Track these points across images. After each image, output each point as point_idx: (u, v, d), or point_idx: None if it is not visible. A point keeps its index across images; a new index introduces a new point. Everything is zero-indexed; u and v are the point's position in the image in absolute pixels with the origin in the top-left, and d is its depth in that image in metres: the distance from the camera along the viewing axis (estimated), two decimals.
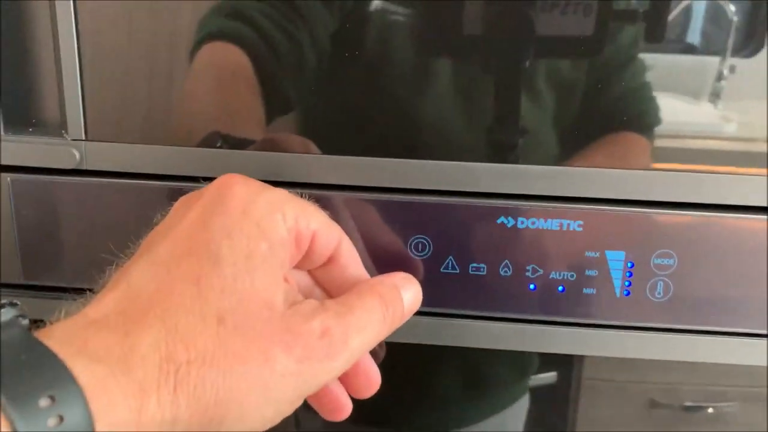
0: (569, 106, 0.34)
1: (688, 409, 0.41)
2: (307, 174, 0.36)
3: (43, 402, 0.21)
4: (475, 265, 0.36)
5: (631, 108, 0.34)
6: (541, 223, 0.35)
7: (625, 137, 0.34)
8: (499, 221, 0.35)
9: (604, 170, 0.34)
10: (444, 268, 0.36)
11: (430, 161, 0.35)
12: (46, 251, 0.37)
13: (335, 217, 0.33)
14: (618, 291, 0.35)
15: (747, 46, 0.32)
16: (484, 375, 0.43)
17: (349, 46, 0.33)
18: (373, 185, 0.36)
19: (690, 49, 0.33)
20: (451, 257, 0.36)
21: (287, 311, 0.27)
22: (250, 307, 0.26)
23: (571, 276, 0.35)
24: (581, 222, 0.34)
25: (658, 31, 0.32)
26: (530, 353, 0.41)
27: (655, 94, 0.33)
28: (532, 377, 0.42)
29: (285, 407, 0.27)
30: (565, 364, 0.41)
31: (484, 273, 0.36)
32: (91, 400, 0.22)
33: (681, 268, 0.35)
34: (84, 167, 0.36)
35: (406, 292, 0.32)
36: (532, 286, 0.36)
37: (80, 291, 0.33)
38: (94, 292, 0.28)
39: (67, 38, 0.34)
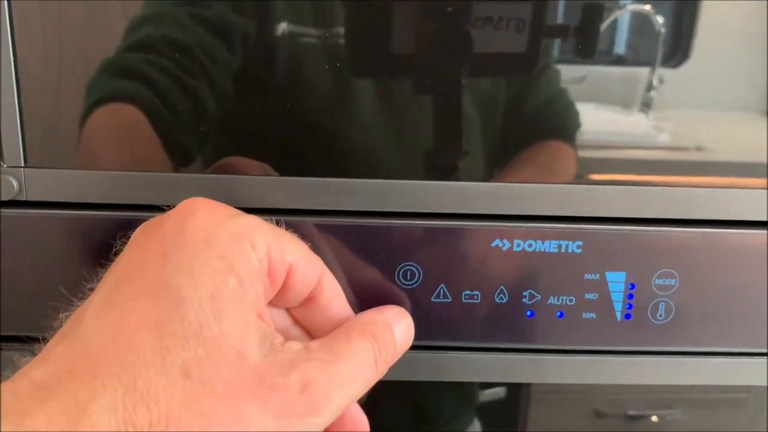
0: (494, 120, 0.32)
1: (632, 418, 0.40)
2: (274, 198, 0.32)
3: None
4: (468, 292, 0.33)
5: (551, 117, 0.32)
6: (538, 245, 0.32)
7: (551, 146, 0.33)
8: (494, 244, 0.32)
9: (599, 187, 0.32)
10: (435, 297, 0.33)
11: (413, 181, 0.32)
12: None
13: (312, 246, 0.29)
14: (618, 314, 0.33)
15: (674, 57, 0.31)
16: (431, 410, 0.41)
17: (258, 80, 0.31)
18: (351, 209, 0.32)
19: (620, 61, 0.32)
20: (442, 285, 0.33)
21: (262, 361, 0.24)
22: (219, 357, 0.23)
23: (570, 300, 0.33)
24: (580, 242, 0.32)
25: (590, 45, 0.31)
26: (474, 385, 0.40)
27: (577, 102, 0.32)
28: (483, 393, 0.40)
29: None
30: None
31: (479, 301, 0.33)
32: None
33: (682, 288, 0.33)
34: (23, 197, 0.31)
35: (398, 329, 0.29)
36: (528, 313, 0.33)
37: (26, 340, 0.29)
38: (43, 341, 0.24)
39: (2, 53, 0.29)
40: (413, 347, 0.34)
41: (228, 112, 0.31)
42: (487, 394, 0.40)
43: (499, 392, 0.39)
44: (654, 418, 0.40)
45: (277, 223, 0.28)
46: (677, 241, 0.33)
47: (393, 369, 0.33)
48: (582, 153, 0.33)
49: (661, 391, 0.40)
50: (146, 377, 0.22)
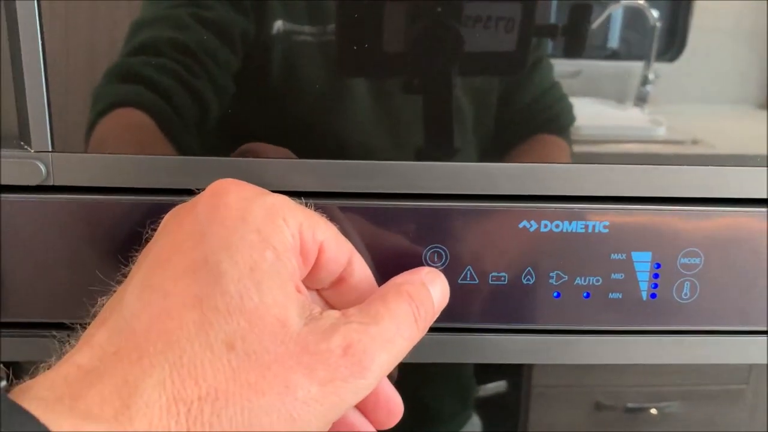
0: (486, 115, 0.32)
1: (631, 410, 0.41)
2: (298, 180, 0.32)
3: None
4: (495, 274, 0.33)
5: (544, 111, 0.32)
6: (565, 226, 0.32)
7: (545, 140, 0.33)
8: (521, 225, 0.32)
9: (627, 167, 0.32)
10: (462, 279, 0.33)
11: (437, 163, 0.32)
12: (15, 283, 0.32)
13: (339, 229, 0.30)
14: (644, 294, 0.34)
15: (669, 51, 0.32)
16: (429, 409, 0.41)
17: (258, 79, 0.31)
18: (380, 191, 0.32)
19: (615, 55, 0.32)
20: (469, 267, 0.33)
21: (303, 329, 0.24)
22: (262, 328, 0.23)
23: (597, 281, 0.33)
24: (607, 223, 0.33)
25: (580, 43, 0.31)
26: (471, 382, 0.40)
27: (572, 97, 0.32)
28: (482, 388, 0.40)
29: None
30: (515, 372, 0.40)
31: (506, 282, 0.33)
32: None
33: (707, 267, 0.33)
34: (51, 182, 0.31)
35: (434, 288, 0.29)
36: (555, 294, 0.33)
37: (61, 326, 0.29)
38: (82, 327, 0.24)
39: (29, 37, 0.29)
40: (439, 329, 0.34)
41: (230, 111, 0.31)
42: (488, 389, 0.40)
43: (500, 386, 0.40)
44: (653, 411, 0.40)
45: (306, 205, 0.28)
46: (702, 221, 0.33)
47: (421, 351, 0.33)
48: (577, 148, 0.33)
49: (660, 384, 0.40)
50: (191, 353, 0.22)
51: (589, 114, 0.32)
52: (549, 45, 0.31)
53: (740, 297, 0.34)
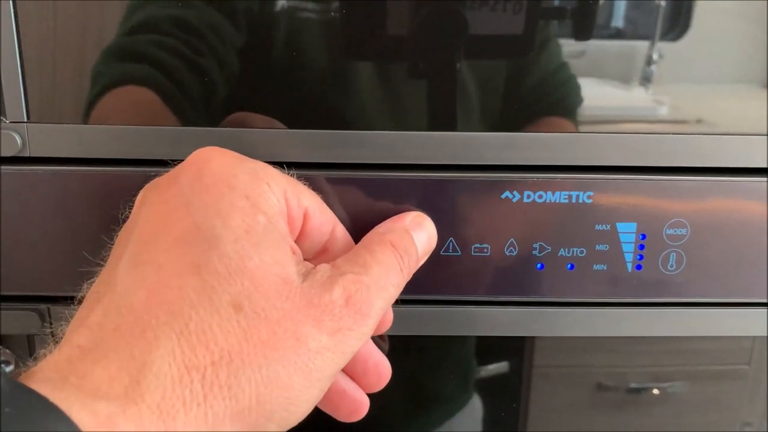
0: (492, 98, 0.32)
1: (633, 390, 0.40)
2: (283, 150, 0.32)
3: None
4: (478, 245, 0.33)
5: (551, 92, 0.32)
6: (548, 196, 0.32)
7: (551, 122, 0.32)
8: (503, 196, 0.32)
9: (610, 135, 0.32)
10: (444, 251, 0.33)
11: (420, 132, 0.32)
12: None
13: (324, 200, 0.29)
14: (630, 265, 0.33)
15: (673, 30, 0.31)
16: (428, 391, 0.42)
17: (263, 57, 0.30)
18: (359, 162, 0.32)
19: (619, 35, 0.31)
20: (451, 239, 0.33)
21: (304, 284, 0.24)
22: (267, 286, 0.23)
23: (581, 252, 0.33)
24: (591, 193, 0.32)
25: (587, 25, 0.30)
26: (471, 363, 0.40)
27: (576, 75, 0.31)
28: (484, 369, 0.40)
29: (326, 385, 0.24)
30: (516, 353, 0.40)
31: (488, 254, 0.33)
32: None
33: (694, 238, 0.33)
34: (27, 154, 0.31)
35: (418, 235, 0.30)
36: (539, 266, 0.33)
37: (41, 299, 0.29)
38: (75, 302, 0.24)
39: (2, 7, 0.29)
40: (422, 302, 0.34)
41: (235, 88, 0.31)
42: (489, 370, 0.40)
43: (501, 368, 0.39)
44: (655, 391, 0.40)
45: (288, 173, 0.27)
46: (688, 191, 0.32)
47: (402, 324, 0.33)
48: (582, 129, 0.32)
49: (662, 364, 0.40)
50: (198, 319, 0.21)
51: (593, 94, 0.32)
52: (555, 26, 0.31)
53: (728, 269, 0.34)
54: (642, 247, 0.33)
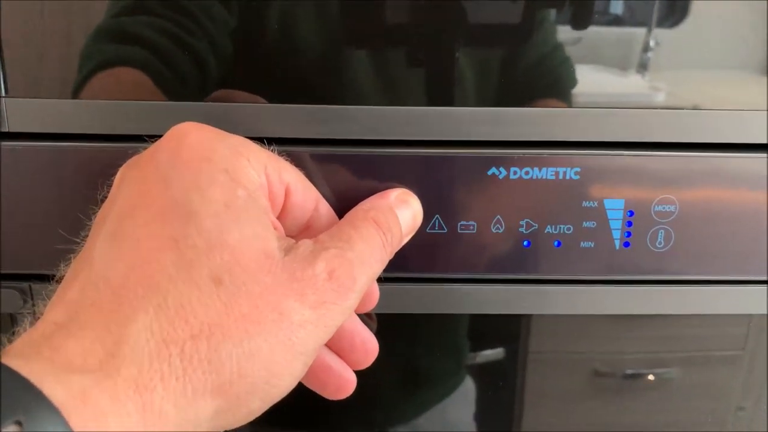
0: (488, 81, 0.31)
1: (629, 376, 0.40)
2: (268, 126, 0.31)
3: (10, 429, 0.17)
4: (464, 223, 0.32)
5: (546, 75, 0.32)
6: (535, 173, 0.32)
7: (546, 105, 0.32)
8: (490, 172, 0.32)
9: (598, 110, 0.31)
10: (430, 228, 0.32)
11: (406, 107, 0.31)
12: None
13: (306, 176, 0.29)
14: (617, 242, 0.33)
15: (670, 17, 0.31)
16: (421, 370, 0.41)
17: (254, 37, 0.30)
18: (345, 138, 0.32)
19: (617, 21, 0.31)
20: (438, 216, 0.32)
21: (286, 258, 0.24)
22: (247, 260, 0.23)
23: (568, 229, 0.33)
24: (578, 169, 0.32)
25: (585, 12, 0.30)
26: (465, 343, 0.40)
27: (571, 58, 0.31)
28: (480, 354, 0.40)
29: (310, 359, 0.24)
30: (511, 338, 0.39)
31: (475, 231, 0.33)
32: (70, 417, 0.18)
33: (682, 215, 0.33)
34: (6, 129, 0.30)
35: (402, 212, 0.30)
36: (526, 243, 0.33)
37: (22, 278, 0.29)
38: (54, 281, 0.24)
39: None
40: (408, 279, 0.34)
41: (228, 70, 0.31)
42: (485, 356, 0.40)
43: (498, 353, 0.39)
44: (650, 377, 0.40)
45: (270, 149, 0.27)
46: (676, 167, 0.32)
47: (388, 302, 0.33)
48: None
49: (657, 350, 0.40)
50: (176, 293, 0.21)
51: (590, 81, 0.32)
52: (553, 12, 0.30)
53: (718, 246, 0.33)
54: (630, 224, 0.33)
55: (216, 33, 0.30)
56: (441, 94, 0.31)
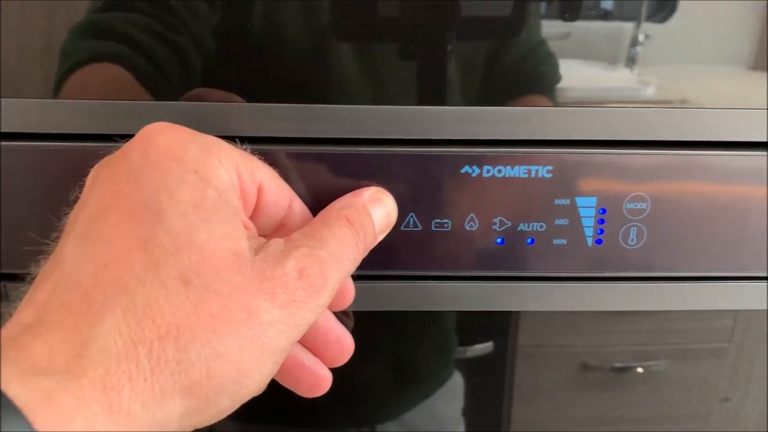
0: (474, 77, 0.31)
1: (617, 369, 0.41)
2: (243, 124, 0.31)
3: None
4: (438, 220, 0.33)
5: (531, 70, 0.32)
6: (508, 171, 0.32)
7: (532, 101, 0.32)
8: (463, 170, 0.32)
9: (573, 109, 0.32)
10: (405, 226, 0.33)
11: (382, 107, 0.31)
12: None
13: (281, 175, 0.29)
14: (590, 240, 0.33)
15: (660, 12, 0.31)
16: (409, 366, 0.42)
17: (238, 35, 0.30)
18: (318, 136, 0.32)
19: (606, 16, 0.31)
20: (412, 214, 0.33)
21: (256, 257, 0.24)
22: (216, 260, 0.23)
23: (541, 227, 0.33)
24: (551, 167, 0.32)
25: (574, 6, 0.30)
26: (452, 338, 0.40)
27: (562, 58, 0.31)
28: (468, 348, 0.40)
29: (280, 358, 0.24)
30: (500, 333, 0.40)
31: (449, 229, 0.33)
32: (35, 418, 0.18)
33: (654, 212, 0.33)
34: None
35: (376, 211, 0.30)
36: (499, 240, 0.33)
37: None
38: (25, 281, 0.24)
39: None
40: (383, 277, 0.34)
41: (213, 66, 0.31)
42: (473, 350, 0.40)
43: (486, 348, 0.40)
44: (639, 369, 0.40)
45: (243, 148, 0.27)
46: (647, 164, 0.32)
47: (363, 299, 0.33)
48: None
49: (645, 343, 0.40)
50: (144, 293, 0.21)
51: (578, 75, 0.32)
52: (542, 6, 0.30)
53: (690, 243, 0.34)
54: (602, 221, 0.33)
55: (199, 29, 0.30)
56: (424, 93, 0.31)
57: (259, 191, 0.27)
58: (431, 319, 0.39)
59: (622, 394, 0.42)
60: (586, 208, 0.33)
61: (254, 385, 0.23)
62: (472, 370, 0.41)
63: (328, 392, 0.30)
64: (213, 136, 0.26)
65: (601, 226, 0.33)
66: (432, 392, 0.42)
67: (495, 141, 0.32)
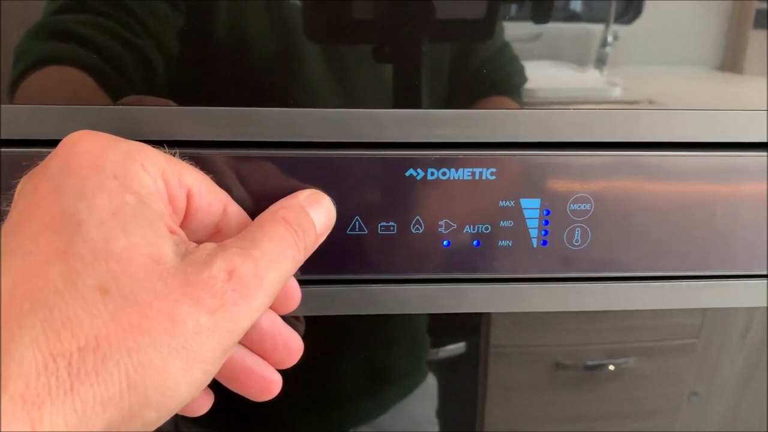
0: (439, 78, 0.31)
1: (590, 367, 0.41)
2: (178, 129, 0.31)
3: None
4: (384, 224, 0.33)
5: (495, 72, 0.32)
6: (452, 174, 0.32)
7: (497, 102, 0.32)
8: (407, 174, 0.32)
9: (515, 111, 0.32)
10: (351, 230, 0.33)
11: (323, 110, 0.31)
12: None
13: (219, 180, 0.29)
14: (535, 241, 0.33)
15: (627, 13, 0.31)
16: (382, 369, 0.42)
17: (203, 36, 0.30)
18: (258, 140, 0.31)
19: (575, 17, 0.31)
20: (357, 218, 0.32)
21: (182, 262, 0.23)
22: (135, 267, 0.22)
23: (486, 228, 0.33)
24: (494, 169, 0.32)
25: (540, 6, 0.31)
26: (425, 340, 0.40)
27: (532, 59, 0.31)
28: (441, 349, 0.40)
29: (212, 367, 0.23)
30: (473, 334, 0.40)
31: (395, 232, 0.33)
32: None
33: (598, 213, 0.33)
34: None
35: (315, 211, 0.29)
36: (445, 243, 0.33)
37: None
38: None
39: None
40: (329, 281, 0.34)
41: (174, 68, 0.30)
42: (446, 350, 0.40)
43: (458, 348, 0.40)
44: (611, 367, 0.41)
45: (173, 154, 0.27)
46: (591, 166, 0.33)
47: (310, 304, 0.33)
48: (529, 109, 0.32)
49: (616, 341, 0.40)
50: (62, 305, 0.21)
51: (545, 76, 0.32)
52: (511, 8, 0.31)
53: (633, 243, 0.34)
54: (546, 222, 0.33)
55: (160, 31, 0.30)
56: (391, 96, 0.31)
57: (189, 196, 0.26)
58: (402, 321, 0.39)
59: (595, 391, 0.42)
60: (531, 210, 0.33)
61: (181, 395, 0.23)
62: (446, 371, 0.41)
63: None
64: (137, 142, 0.26)
65: (545, 227, 0.33)
66: (406, 394, 0.42)
67: (442, 144, 0.32)
